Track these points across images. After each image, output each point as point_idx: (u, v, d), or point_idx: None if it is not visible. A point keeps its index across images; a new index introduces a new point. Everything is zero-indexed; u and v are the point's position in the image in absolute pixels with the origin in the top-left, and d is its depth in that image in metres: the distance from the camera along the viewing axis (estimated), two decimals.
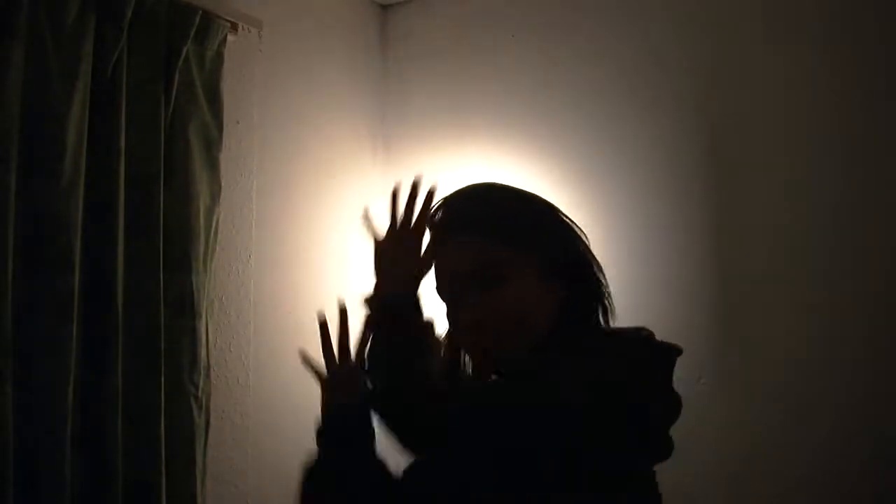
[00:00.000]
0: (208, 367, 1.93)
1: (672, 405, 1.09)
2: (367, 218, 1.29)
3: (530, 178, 2.37)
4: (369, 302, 1.23)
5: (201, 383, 1.89)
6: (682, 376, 1.11)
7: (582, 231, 1.18)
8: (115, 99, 1.79)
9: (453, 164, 2.50)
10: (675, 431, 1.08)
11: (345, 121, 2.59)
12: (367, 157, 2.63)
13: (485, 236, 1.13)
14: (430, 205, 1.21)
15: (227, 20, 2.06)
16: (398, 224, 1.23)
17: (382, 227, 1.25)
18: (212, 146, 2.00)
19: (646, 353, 1.10)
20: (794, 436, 1.96)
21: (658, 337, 1.11)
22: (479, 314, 1.10)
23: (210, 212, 1.97)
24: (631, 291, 2.16)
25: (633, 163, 2.24)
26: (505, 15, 2.52)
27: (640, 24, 2.28)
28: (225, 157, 2.03)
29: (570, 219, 1.19)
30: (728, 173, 2.13)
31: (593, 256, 1.18)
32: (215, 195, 1.99)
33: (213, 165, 1.99)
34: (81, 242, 1.69)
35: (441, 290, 1.17)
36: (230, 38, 2.07)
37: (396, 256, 1.22)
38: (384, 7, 2.75)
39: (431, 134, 2.59)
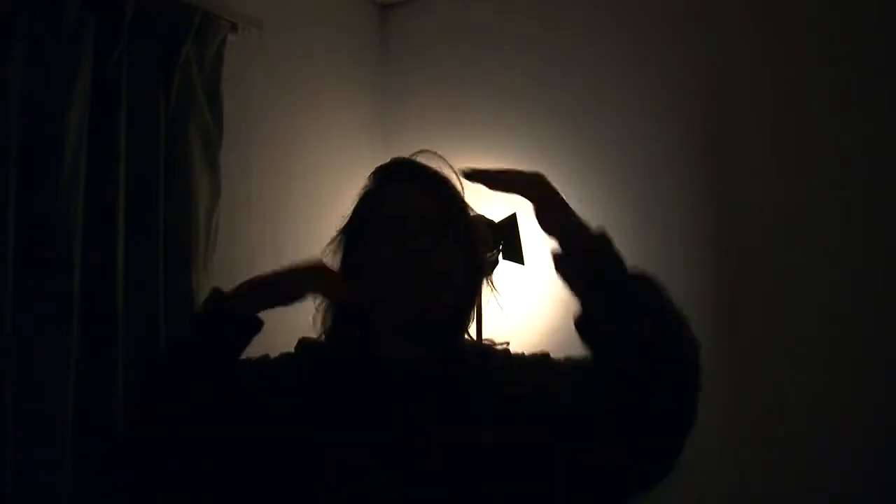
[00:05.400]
0: None
1: None
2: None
3: None
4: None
5: None
6: None
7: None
8: (115, 99, 1.79)
9: (453, 164, 2.49)
10: None
11: (344, 121, 2.59)
12: (367, 156, 2.62)
13: (445, 190, 1.26)
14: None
15: (227, 20, 2.06)
16: None
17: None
18: (212, 146, 1.99)
19: None
20: (792, 429, 1.96)
21: None
22: (423, 258, 1.15)
23: (210, 212, 1.97)
24: None
25: (633, 161, 2.24)
26: (504, 15, 2.51)
27: (640, 18, 2.29)
28: (225, 157, 2.03)
29: None
30: (726, 164, 2.14)
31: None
32: (215, 195, 1.99)
33: (213, 165, 1.99)
34: (81, 242, 1.69)
35: (377, 232, 1.22)
36: (230, 38, 2.07)
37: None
38: (384, 7, 2.75)
39: (431, 134, 2.59)
